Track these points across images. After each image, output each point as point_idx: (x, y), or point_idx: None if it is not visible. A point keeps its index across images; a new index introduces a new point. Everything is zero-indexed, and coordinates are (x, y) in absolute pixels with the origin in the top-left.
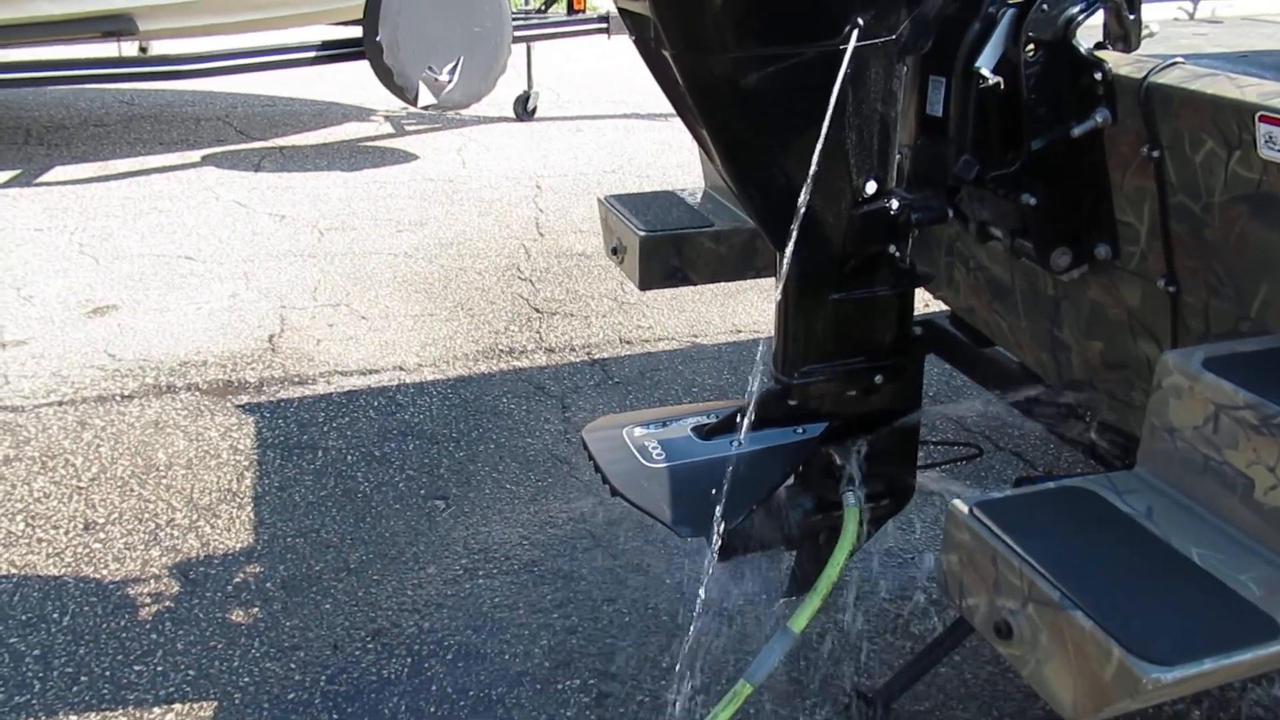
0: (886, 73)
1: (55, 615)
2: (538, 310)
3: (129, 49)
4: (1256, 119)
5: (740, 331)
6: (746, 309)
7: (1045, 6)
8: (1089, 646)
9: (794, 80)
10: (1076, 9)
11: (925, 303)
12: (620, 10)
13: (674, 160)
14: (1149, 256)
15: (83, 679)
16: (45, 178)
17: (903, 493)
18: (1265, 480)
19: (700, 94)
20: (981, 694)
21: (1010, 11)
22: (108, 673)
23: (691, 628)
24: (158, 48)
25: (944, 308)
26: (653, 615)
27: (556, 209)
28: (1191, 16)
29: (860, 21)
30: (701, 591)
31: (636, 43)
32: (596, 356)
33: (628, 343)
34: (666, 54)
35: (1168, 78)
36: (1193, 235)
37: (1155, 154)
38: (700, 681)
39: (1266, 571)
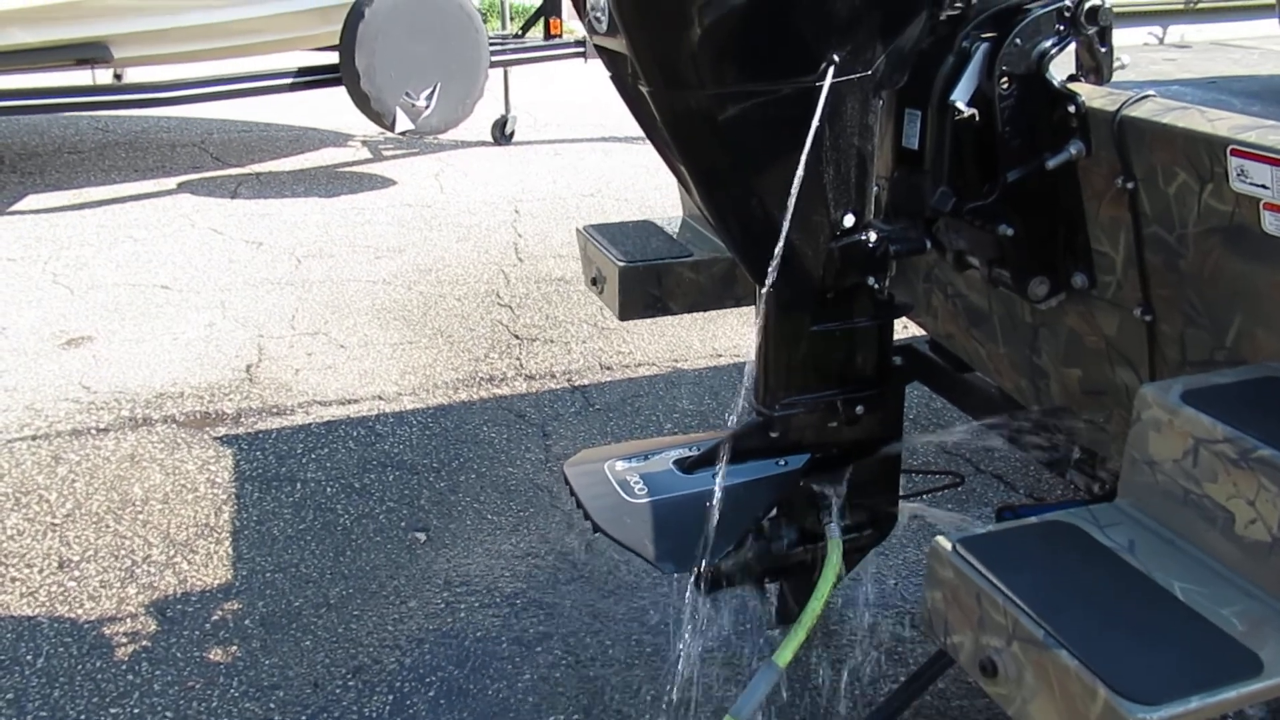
0: (863, 107)
1: (29, 657)
2: (518, 337)
3: (103, 76)
4: (1228, 152)
5: (721, 356)
6: (727, 333)
7: (1019, 40)
8: (1074, 685)
9: (771, 116)
10: (1049, 42)
11: (904, 325)
12: (597, 47)
13: (652, 184)
14: (1125, 286)
15: None
16: (18, 206)
17: (885, 522)
18: (1245, 514)
19: (677, 130)
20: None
21: (984, 45)
22: (83, 716)
23: (678, 663)
24: (132, 75)
25: (922, 331)
26: (636, 647)
27: (535, 234)
28: (1161, 41)
29: (836, 58)
30: (686, 626)
31: (613, 78)
32: (577, 383)
33: (608, 369)
34: (644, 90)
35: (1140, 110)
36: (1167, 265)
37: (1129, 185)
38: (688, 715)
39: (1249, 606)
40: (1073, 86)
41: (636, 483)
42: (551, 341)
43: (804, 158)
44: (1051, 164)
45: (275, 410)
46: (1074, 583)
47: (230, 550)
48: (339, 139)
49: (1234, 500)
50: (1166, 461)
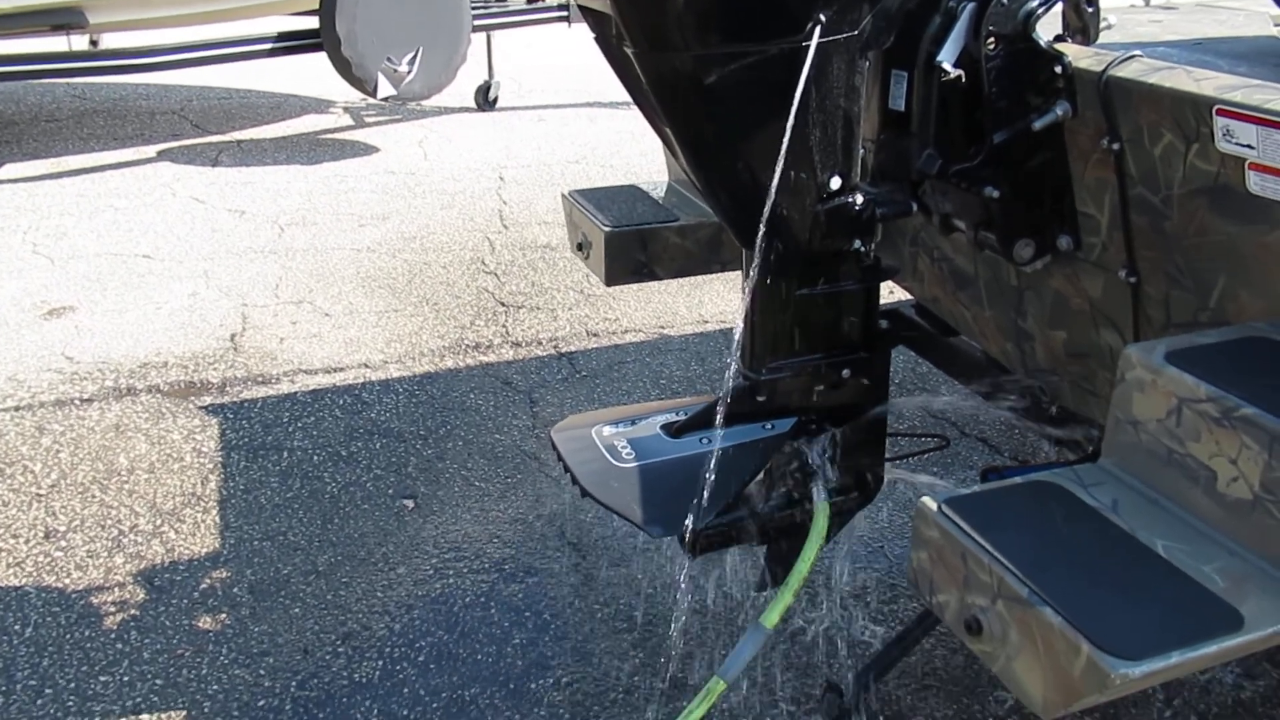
0: (849, 68)
1: (17, 627)
2: (503, 304)
3: (79, 43)
4: (1214, 112)
5: (707, 322)
6: (713, 299)
7: (1005, 0)
8: (1058, 642)
9: (757, 77)
10: (1036, 3)
11: (890, 289)
12: (580, 8)
13: (638, 149)
14: (1110, 248)
15: (47, 691)
16: None
17: (871, 485)
18: (1227, 472)
19: (663, 92)
20: (952, 680)
21: (970, 6)
22: (73, 684)
23: (665, 625)
24: (109, 41)
25: (909, 295)
26: (625, 612)
27: (520, 200)
28: (1147, 3)
29: (823, 18)
30: (674, 589)
31: (598, 40)
32: (564, 350)
33: (594, 335)
34: (628, 51)
35: (1126, 71)
36: (1153, 227)
37: (1115, 146)
38: (673, 679)
39: (1230, 563)
40: (1059, 47)
41: (624, 447)
42: (538, 308)
43: (790, 120)
44: (1038, 125)
45: (260, 379)
46: (1058, 541)
47: (217, 519)
48: (320, 105)
49: (1216, 459)
50: (1150, 421)
